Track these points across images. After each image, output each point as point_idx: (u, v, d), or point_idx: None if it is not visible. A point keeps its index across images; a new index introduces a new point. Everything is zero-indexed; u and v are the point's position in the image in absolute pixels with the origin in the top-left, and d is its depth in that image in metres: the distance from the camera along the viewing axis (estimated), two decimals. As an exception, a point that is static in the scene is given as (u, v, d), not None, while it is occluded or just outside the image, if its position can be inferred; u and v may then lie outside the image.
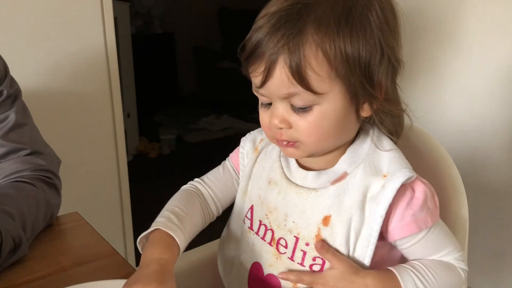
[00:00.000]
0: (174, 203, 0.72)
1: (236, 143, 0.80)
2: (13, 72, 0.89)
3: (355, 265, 0.63)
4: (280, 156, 0.73)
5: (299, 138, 0.63)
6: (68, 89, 1.57)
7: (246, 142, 0.78)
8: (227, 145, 3.57)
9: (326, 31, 0.56)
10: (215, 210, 0.77)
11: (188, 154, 3.37)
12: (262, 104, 0.65)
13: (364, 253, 0.63)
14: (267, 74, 0.59)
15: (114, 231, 1.78)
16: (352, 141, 0.68)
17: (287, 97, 0.60)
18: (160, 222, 0.66)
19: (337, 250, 0.64)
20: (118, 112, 1.70)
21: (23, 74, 0.94)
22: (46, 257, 0.76)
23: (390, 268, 0.64)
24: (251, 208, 0.74)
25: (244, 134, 0.80)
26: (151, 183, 2.80)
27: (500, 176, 1.58)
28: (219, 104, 3.99)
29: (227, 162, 0.80)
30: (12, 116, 0.83)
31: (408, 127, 0.68)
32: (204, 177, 0.80)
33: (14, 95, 0.86)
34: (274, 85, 0.59)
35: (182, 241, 0.64)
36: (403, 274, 0.63)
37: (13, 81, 0.88)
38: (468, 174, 1.31)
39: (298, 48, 0.56)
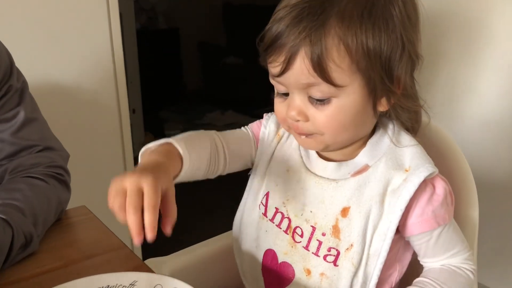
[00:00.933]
0: (188, 133, 0.70)
1: None
2: (20, 68, 0.89)
3: None
4: (300, 145, 0.73)
5: (315, 131, 0.63)
6: (74, 84, 1.57)
7: (270, 122, 0.77)
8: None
9: (349, 24, 0.57)
10: (223, 162, 0.73)
11: (193, 150, 3.37)
12: (278, 93, 0.66)
13: (381, 246, 0.63)
14: (287, 65, 0.59)
15: (120, 225, 1.79)
16: (371, 134, 0.68)
17: (306, 88, 0.60)
18: (166, 139, 0.64)
19: (352, 244, 0.64)
20: (124, 108, 1.70)
21: (30, 70, 0.94)
22: (55, 250, 0.77)
23: None
24: (267, 194, 0.74)
25: None
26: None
27: (509, 172, 1.58)
28: (224, 99, 3.99)
29: (248, 130, 0.79)
30: (21, 113, 0.83)
31: (426, 123, 0.68)
32: (224, 133, 0.77)
33: (21, 89, 0.86)
34: (293, 75, 0.60)
35: (186, 157, 0.61)
36: None
37: (19, 74, 0.88)
38: (478, 169, 1.30)
39: (320, 40, 0.57)
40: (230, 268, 0.78)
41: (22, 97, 0.86)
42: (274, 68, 0.61)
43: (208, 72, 4.29)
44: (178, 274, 0.76)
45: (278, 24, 0.59)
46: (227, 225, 0.82)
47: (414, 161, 0.64)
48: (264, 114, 0.80)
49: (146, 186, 0.50)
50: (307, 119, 0.62)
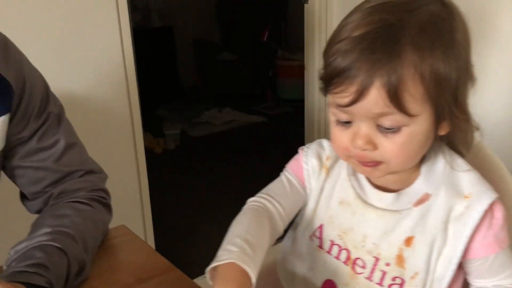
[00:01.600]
0: (245, 228, 0.68)
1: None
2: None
3: None
4: (349, 175, 0.73)
5: (382, 160, 0.62)
6: (86, 94, 1.56)
7: (310, 158, 0.76)
8: (231, 138, 3.59)
9: (423, 53, 0.56)
10: (282, 227, 0.75)
11: (193, 149, 3.37)
12: (338, 122, 0.64)
13: (445, 273, 0.65)
14: (360, 95, 0.58)
15: (134, 226, 1.80)
16: (421, 159, 0.68)
17: (376, 117, 0.59)
18: (234, 253, 0.61)
19: (417, 272, 0.66)
20: (136, 116, 1.71)
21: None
22: (106, 274, 0.77)
23: None
24: (320, 227, 0.74)
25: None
26: (160, 179, 2.81)
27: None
28: (221, 97, 3.99)
29: (291, 177, 0.77)
30: (61, 140, 0.83)
31: (476, 142, 0.69)
32: (270, 191, 0.76)
33: (59, 114, 0.86)
34: (365, 105, 0.58)
35: (254, 278, 0.60)
36: None
37: (55, 98, 0.88)
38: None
39: (396, 71, 0.56)
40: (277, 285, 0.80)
41: (60, 123, 0.86)
42: (341, 98, 0.60)
43: (204, 69, 4.27)
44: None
45: (344, 56, 0.58)
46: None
47: (475, 188, 0.65)
48: (299, 150, 0.78)
49: None
50: (375, 147, 0.61)
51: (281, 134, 3.48)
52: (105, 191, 0.88)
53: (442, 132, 0.64)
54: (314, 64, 2.06)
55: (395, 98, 0.57)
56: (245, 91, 4.00)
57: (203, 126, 3.63)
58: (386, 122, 0.59)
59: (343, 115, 0.62)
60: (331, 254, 0.72)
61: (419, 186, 0.68)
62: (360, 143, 0.62)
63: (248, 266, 0.60)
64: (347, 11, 0.63)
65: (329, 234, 0.73)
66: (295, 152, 0.79)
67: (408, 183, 0.68)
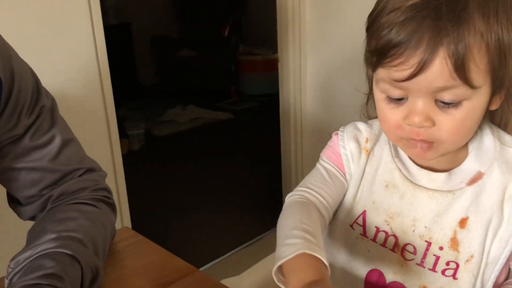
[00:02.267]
0: (297, 218, 0.64)
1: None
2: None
3: None
4: (392, 156, 0.69)
5: (440, 137, 0.59)
6: (60, 92, 1.46)
7: (348, 141, 0.72)
8: (198, 136, 3.52)
9: (489, 19, 0.53)
10: (328, 218, 0.70)
11: (159, 148, 3.28)
12: (388, 99, 0.60)
13: (500, 254, 0.62)
14: (422, 67, 0.53)
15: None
16: None
17: (437, 92, 0.56)
18: (299, 244, 0.56)
19: (472, 255, 0.63)
20: (111, 112, 1.62)
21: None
22: (121, 280, 0.71)
23: None
24: (363, 213, 0.70)
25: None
26: (128, 181, 2.70)
27: None
28: (183, 94, 3.90)
29: (329, 165, 0.73)
30: (57, 136, 0.75)
31: None
32: (309, 184, 0.71)
33: (52, 108, 0.78)
34: (427, 78, 0.54)
35: (327, 262, 0.56)
36: None
37: (46, 91, 0.80)
38: None
39: (464, 39, 0.52)
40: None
41: (54, 117, 0.78)
42: (400, 72, 0.55)
43: (164, 66, 4.17)
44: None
45: (402, 25, 0.54)
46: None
47: None
48: (333, 135, 0.74)
49: None
50: (433, 124, 0.58)
51: (249, 130, 3.45)
52: (108, 190, 0.81)
53: (494, 106, 0.62)
54: (288, 58, 2.03)
55: (462, 68, 0.53)
56: (208, 87, 3.93)
57: (168, 125, 3.54)
58: (447, 96, 0.56)
59: (397, 91, 0.58)
60: (376, 242, 0.69)
61: (470, 164, 0.65)
62: (417, 120, 0.58)
63: (318, 253, 0.55)
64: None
65: (374, 220, 0.69)
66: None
67: (456, 162, 0.66)
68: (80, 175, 0.78)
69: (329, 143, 0.75)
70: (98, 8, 1.51)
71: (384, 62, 0.57)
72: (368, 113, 0.72)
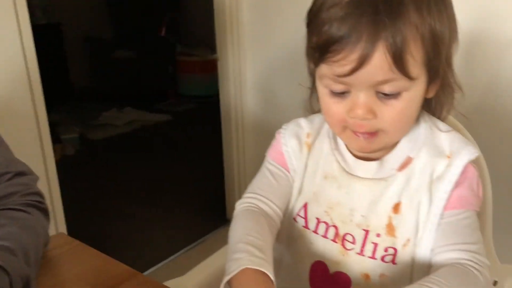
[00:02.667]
0: (245, 230, 0.64)
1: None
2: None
3: None
4: (332, 149, 0.71)
5: (382, 128, 0.60)
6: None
7: (289, 139, 0.73)
8: (136, 139, 3.41)
9: (422, 12, 0.55)
10: (278, 221, 0.71)
11: (95, 153, 3.15)
12: (331, 93, 0.61)
13: (433, 232, 0.63)
14: (363, 62, 0.55)
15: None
16: None
17: (378, 84, 0.57)
18: (243, 259, 0.57)
19: (408, 238, 0.64)
20: (41, 114, 1.53)
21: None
22: (57, 289, 0.66)
23: None
24: (305, 206, 0.71)
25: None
26: (63, 188, 2.58)
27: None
28: (119, 96, 3.77)
29: (272, 166, 0.74)
30: None
31: (457, 104, 0.69)
32: (256, 189, 0.72)
33: None
34: (368, 72, 0.56)
35: (272, 274, 0.57)
36: None
37: None
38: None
39: (401, 32, 0.54)
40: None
41: None
42: (341, 67, 0.56)
43: (98, 68, 4.02)
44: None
45: (342, 21, 0.55)
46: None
47: (455, 145, 0.65)
48: (276, 134, 0.75)
49: None
50: (375, 116, 0.59)
51: (188, 132, 3.40)
52: (40, 194, 0.76)
53: (430, 94, 0.64)
54: (228, 58, 2.02)
55: (400, 61, 0.55)
56: (145, 89, 3.84)
57: (104, 128, 3.41)
58: (387, 88, 0.57)
59: (340, 86, 0.60)
60: (317, 233, 0.69)
61: (401, 150, 0.67)
62: (360, 113, 0.59)
63: (262, 267, 0.56)
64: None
65: (315, 211, 0.70)
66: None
67: (390, 150, 0.67)
68: (8, 179, 0.73)
69: (273, 143, 0.76)
70: (25, 6, 1.43)
71: (326, 57, 0.58)
72: (312, 107, 0.73)
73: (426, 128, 0.67)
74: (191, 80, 3.86)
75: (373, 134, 0.62)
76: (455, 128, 0.69)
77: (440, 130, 0.67)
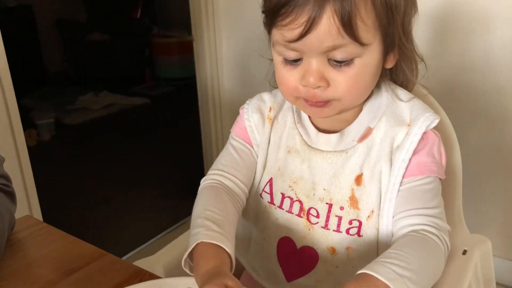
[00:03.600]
0: (205, 206, 0.63)
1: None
2: None
3: None
4: (295, 122, 0.70)
5: (336, 96, 0.59)
6: None
7: (252, 113, 0.72)
8: (113, 123, 3.36)
9: None
10: (244, 197, 0.70)
11: (71, 137, 3.10)
12: (285, 61, 0.60)
13: (394, 200, 0.62)
14: (311, 25, 0.54)
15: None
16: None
17: (328, 51, 0.56)
18: (199, 233, 0.57)
19: (372, 210, 0.64)
20: (12, 103, 1.49)
21: None
22: (20, 273, 0.65)
23: (363, 271, 0.52)
24: (270, 181, 0.70)
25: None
26: (40, 173, 2.53)
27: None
28: (95, 80, 3.70)
29: (236, 142, 0.73)
30: None
31: (421, 78, 0.68)
32: (219, 165, 0.71)
33: None
34: (317, 37, 0.54)
35: (230, 248, 0.57)
36: (379, 271, 0.51)
37: None
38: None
39: None
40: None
41: None
42: (290, 31, 0.55)
43: (72, 52, 3.92)
44: (175, 271, 0.70)
45: None
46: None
47: (414, 113, 0.64)
48: (240, 109, 0.74)
49: None
50: (328, 84, 0.58)
51: (167, 115, 3.36)
52: (6, 177, 0.74)
53: (389, 65, 0.63)
54: (203, 39, 1.99)
55: (349, 25, 0.54)
56: (121, 72, 3.77)
57: (80, 113, 3.35)
58: (339, 54, 0.56)
59: (291, 52, 0.59)
60: (282, 209, 0.69)
61: (362, 122, 0.66)
62: (312, 81, 0.58)
63: (217, 240, 0.57)
64: None
65: (280, 186, 0.69)
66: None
67: (351, 121, 0.67)
68: (-30, 162, 0.70)
69: (237, 118, 0.75)
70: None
71: (276, 21, 0.57)
72: (274, 80, 0.71)
73: (387, 97, 0.66)
74: (168, 62, 3.80)
75: (324, 103, 0.61)
76: (424, 99, 0.68)
77: (401, 100, 0.66)
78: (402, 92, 0.67)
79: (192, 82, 2.29)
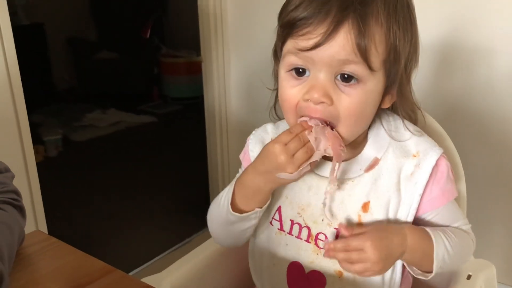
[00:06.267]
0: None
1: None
2: None
3: (385, 226, 0.66)
4: None
5: (336, 116, 0.61)
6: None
7: (255, 145, 0.75)
8: (120, 141, 3.38)
9: (389, 13, 0.58)
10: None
11: (78, 154, 3.12)
12: (290, 76, 0.62)
13: None
14: (327, 37, 0.56)
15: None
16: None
17: (339, 65, 0.58)
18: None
19: None
20: (22, 117, 1.51)
21: None
22: (31, 285, 0.66)
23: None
24: (279, 209, 0.72)
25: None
26: (46, 189, 2.55)
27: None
28: (102, 97, 3.74)
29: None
30: None
31: (422, 123, 0.72)
32: None
33: None
34: (331, 49, 0.57)
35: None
36: (433, 231, 0.66)
37: None
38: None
39: (368, 20, 0.56)
40: (232, 269, 0.76)
41: None
42: (306, 41, 0.58)
43: (81, 69, 3.97)
44: (181, 288, 0.71)
45: (309, 2, 0.58)
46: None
47: (421, 146, 0.67)
48: (247, 140, 0.78)
49: None
50: (331, 102, 0.60)
51: (173, 133, 3.39)
52: (16, 192, 0.76)
53: (386, 105, 0.66)
54: (212, 60, 2.02)
55: (363, 45, 0.57)
56: (129, 90, 3.81)
57: (87, 130, 3.38)
58: (347, 69, 0.59)
59: (301, 61, 0.61)
60: (292, 235, 0.71)
61: (368, 152, 0.69)
62: (315, 96, 0.60)
63: None
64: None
65: (289, 214, 0.71)
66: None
67: (356, 152, 0.69)
68: (-18, 177, 0.72)
69: (244, 148, 0.78)
70: (5, 7, 1.42)
71: (292, 32, 0.59)
72: (276, 112, 0.75)
73: (389, 130, 0.69)
74: (176, 81, 3.84)
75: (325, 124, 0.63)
76: (431, 125, 0.71)
77: (405, 132, 0.69)
78: (407, 123, 0.70)
79: (199, 101, 2.32)
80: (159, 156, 3.00)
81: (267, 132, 0.76)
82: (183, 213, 2.35)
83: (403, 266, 0.69)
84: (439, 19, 1.44)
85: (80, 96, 3.90)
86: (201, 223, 2.21)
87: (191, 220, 2.23)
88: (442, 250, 0.64)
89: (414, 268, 0.67)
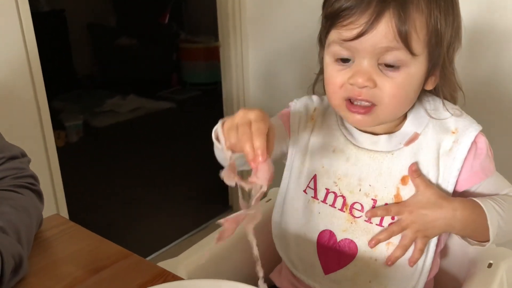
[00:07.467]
0: None
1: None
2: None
3: (441, 192, 0.66)
4: (338, 124, 0.74)
5: (380, 100, 0.63)
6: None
7: (298, 108, 0.77)
8: (140, 126, 3.40)
9: (431, 3, 0.60)
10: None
11: (99, 140, 3.16)
12: (336, 61, 0.65)
13: None
14: (370, 26, 0.59)
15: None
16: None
17: (381, 53, 0.60)
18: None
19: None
20: (43, 102, 1.53)
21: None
22: (47, 270, 0.67)
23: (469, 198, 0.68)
24: (314, 177, 0.73)
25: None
26: (67, 174, 2.59)
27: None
28: (122, 83, 3.77)
29: (275, 118, 0.78)
30: None
31: (461, 103, 0.72)
32: None
33: None
34: (374, 38, 0.60)
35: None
36: (482, 200, 0.67)
37: None
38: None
39: (408, 8, 0.58)
40: (247, 256, 0.75)
41: None
42: (349, 31, 0.61)
43: (101, 55, 4.00)
44: (197, 273, 0.71)
45: None
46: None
47: (460, 123, 0.68)
48: (290, 103, 0.80)
49: (254, 116, 0.55)
50: (374, 85, 0.62)
51: (192, 119, 3.39)
52: (33, 176, 0.77)
53: (429, 86, 0.68)
54: (230, 46, 2.01)
55: (404, 32, 0.59)
56: (148, 76, 3.82)
57: (107, 115, 3.41)
58: (389, 57, 0.61)
59: (345, 51, 0.63)
60: (326, 203, 0.72)
61: (408, 127, 0.70)
62: (360, 81, 0.62)
63: None
64: None
65: (325, 182, 0.73)
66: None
67: (395, 128, 0.71)
68: (2, 164, 0.73)
69: (284, 109, 0.80)
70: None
71: (336, 22, 0.62)
72: (315, 91, 0.78)
73: (430, 108, 0.71)
74: (195, 67, 3.84)
75: (368, 109, 0.65)
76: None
77: (445, 112, 0.70)
78: (446, 103, 0.71)
79: (217, 87, 2.31)
80: (178, 141, 3.02)
81: (312, 100, 0.79)
82: (200, 198, 2.37)
83: (435, 252, 0.70)
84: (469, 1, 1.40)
85: (100, 82, 3.94)
86: (218, 209, 2.23)
87: (208, 206, 2.24)
88: (495, 217, 0.66)
89: (469, 239, 0.69)
